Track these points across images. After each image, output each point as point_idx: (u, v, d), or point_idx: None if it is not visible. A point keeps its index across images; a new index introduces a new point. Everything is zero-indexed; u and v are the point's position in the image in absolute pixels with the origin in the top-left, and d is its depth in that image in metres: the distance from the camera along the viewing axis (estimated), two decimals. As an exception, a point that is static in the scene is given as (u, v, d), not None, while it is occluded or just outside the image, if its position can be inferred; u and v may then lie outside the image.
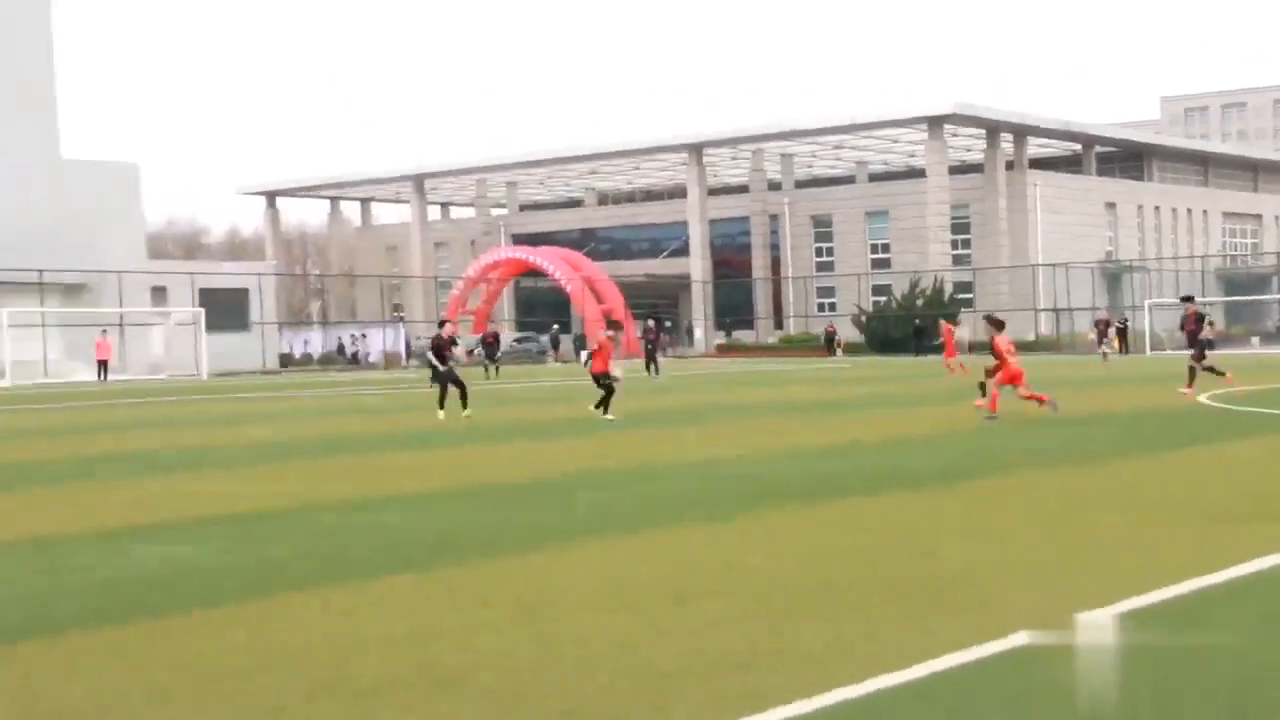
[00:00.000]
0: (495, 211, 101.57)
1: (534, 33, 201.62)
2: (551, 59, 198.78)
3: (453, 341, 25.66)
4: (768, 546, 9.18)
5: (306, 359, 70.49)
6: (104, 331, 54.70)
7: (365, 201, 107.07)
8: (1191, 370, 25.44)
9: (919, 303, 67.30)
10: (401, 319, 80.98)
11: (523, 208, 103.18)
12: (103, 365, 53.01)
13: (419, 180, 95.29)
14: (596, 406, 23.42)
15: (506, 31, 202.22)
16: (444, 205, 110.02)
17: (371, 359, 70.57)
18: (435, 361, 24.97)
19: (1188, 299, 27.69)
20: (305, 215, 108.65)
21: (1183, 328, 27.91)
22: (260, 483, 14.32)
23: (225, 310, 62.08)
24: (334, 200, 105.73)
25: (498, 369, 45.63)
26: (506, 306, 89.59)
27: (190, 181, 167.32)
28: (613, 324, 23.61)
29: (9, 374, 50.74)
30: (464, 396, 24.47)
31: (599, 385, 23.59)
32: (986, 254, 76.86)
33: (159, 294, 61.84)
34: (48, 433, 23.84)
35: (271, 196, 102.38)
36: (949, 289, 69.62)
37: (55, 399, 38.52)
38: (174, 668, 6.17)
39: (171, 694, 5.73)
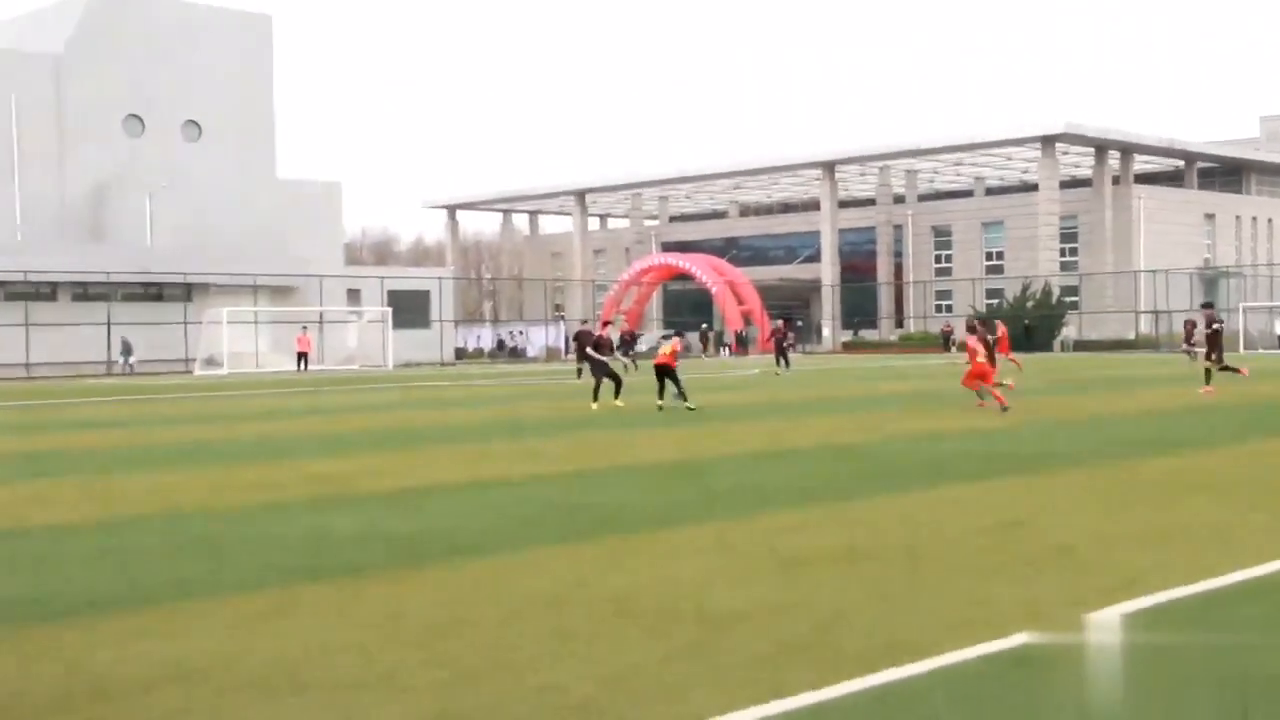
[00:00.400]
0: (648, 222, 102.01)
1: (685, 61, 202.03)
2: (701, 84, 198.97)
3: (611, 341, 26.01)
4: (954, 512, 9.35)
5: (478, 352, 72.31)
6: (304, 328, 55.99)
7: (533, 214, 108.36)
8: (1208, 371, 25.43)
9: (1029, 305, 66.60)
10: (562, 318, 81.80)
11: (672, 219, 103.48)
12: (302, 357, 54.05)
13: (581, 195, 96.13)
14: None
15: (660, 61, 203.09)
16: (602, 217, 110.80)
17: (531, 353, 71.77)
18: (595, 355, 25.12)
19: (1208, 305, 27.27)
20: (481, 226, 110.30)
21: (1189, 331, 27.69)
22: (475, 462, 14.80)
23: (410, 309, 63.33)
24: (506, 212, 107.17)
25: (636, 364, 45.56)
26: (656, 307, 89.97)
27: (383, 197, 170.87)
28: (672, 332, 24.05)
29: (226, 363, 52.37)
30: (618, 388, 24.61)
31: (660, 377, 23.34)
32: (1093, 261, 75.10)
33: (353, 295, 63.20)
34: (268, 416, 24.86)
35: (452, 209, 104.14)
36: (1056, 292, 68.50)
37: (268, 385, 39.79)
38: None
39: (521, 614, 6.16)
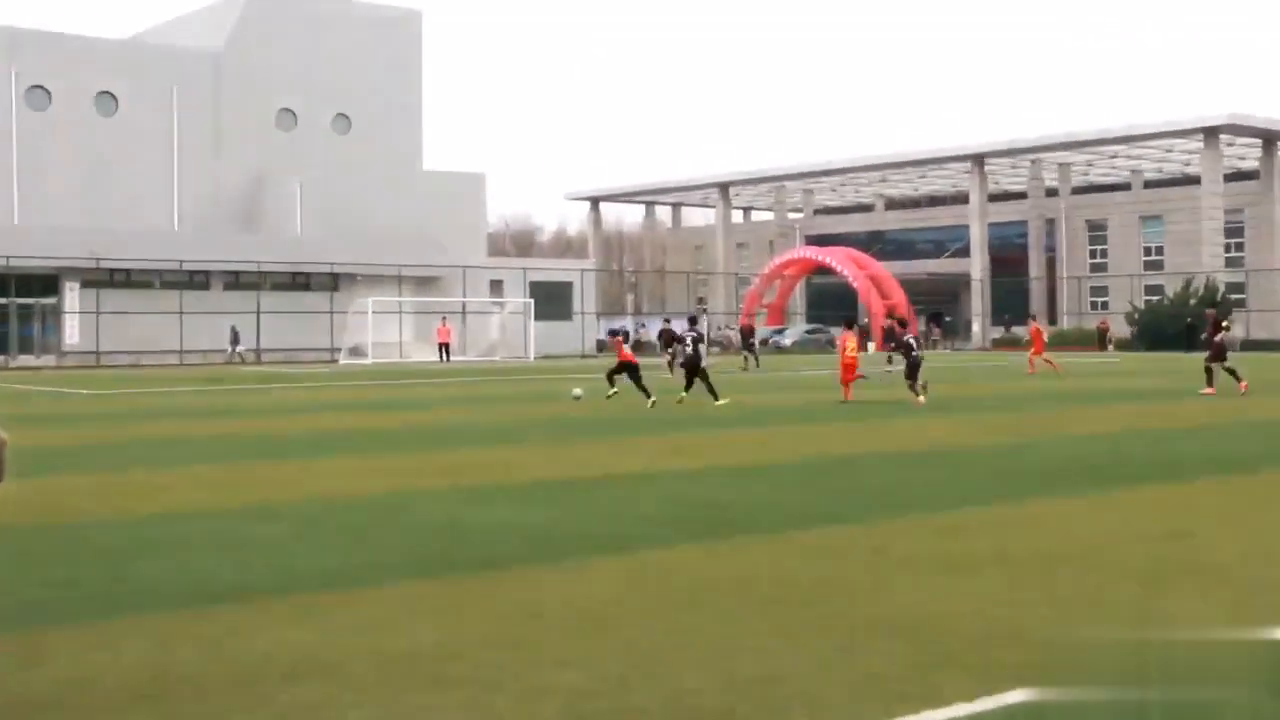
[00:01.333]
0: (791, 215, 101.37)
1: (832, 52, 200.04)
2: (848, 75, 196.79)
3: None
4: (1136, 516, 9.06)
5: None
6: (444, 319, 56.18)
7: (676, 206, 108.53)
8: (1209, 370, 25.37)
9: (1191, 302, 64.09)
10: (705, 310, 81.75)
11: (817, 212, 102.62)
12: (444, 348, 54.50)
13: (724, 187, 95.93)
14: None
15: (807, 51, 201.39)
16: (746, 209, 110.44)
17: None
18: (691, 352, 24.50)
19: (1211, 306, 26.62)
20: (623, 217, 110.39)
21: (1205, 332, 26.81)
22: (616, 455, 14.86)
23: (552, 301, 63.88)
24: (649, 204, 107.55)
25: (757, 359, 44.58)
26: (799, 301, 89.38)
27: (526, 188, 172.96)
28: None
29: (370, 353, 53.41)
30: (688, 384, 24.10)
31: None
32: (1260, 256, 72.17)
33: (496, 286, 63.98)
34: (418, 405, 25.30)
35: (595, 201, 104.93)
36: (1221, 289, 65.89)
37: (413, 375, 40.55)
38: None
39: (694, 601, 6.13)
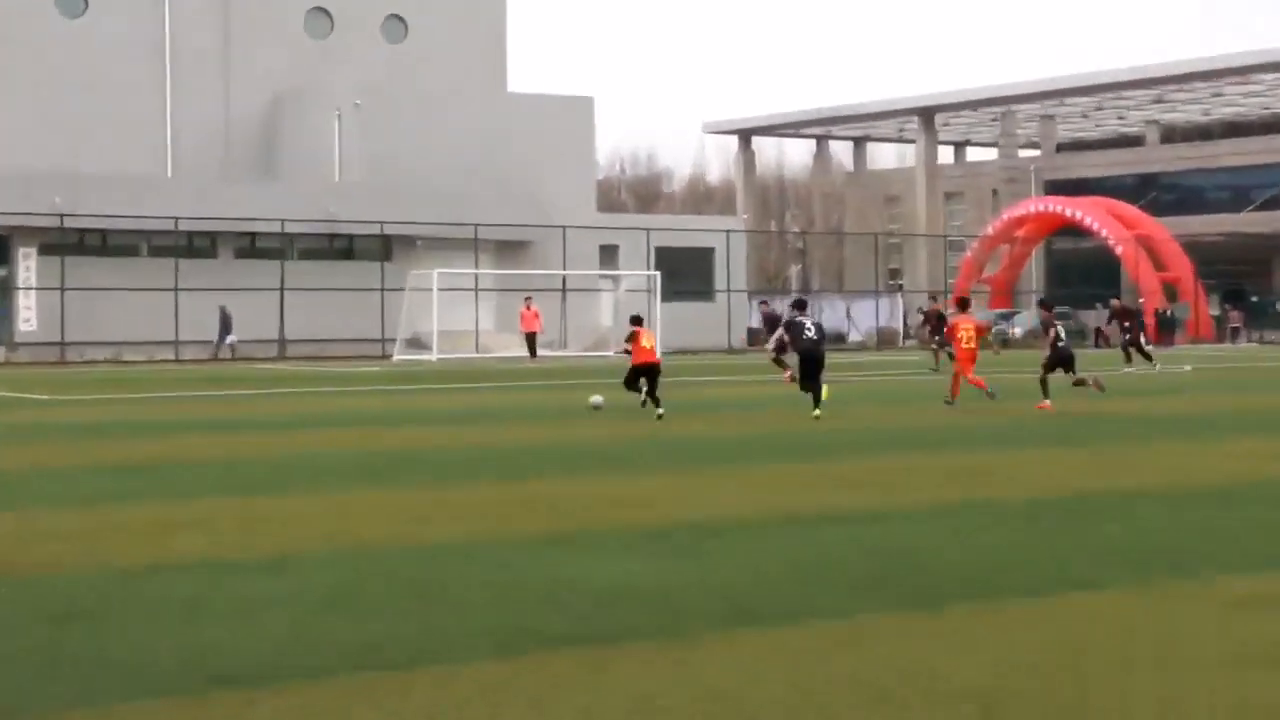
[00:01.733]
0: (1024, 153, 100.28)
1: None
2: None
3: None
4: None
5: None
6: (528, 300, 54.70)
7: (859, 141, 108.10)
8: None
9: None
10: (900, 287, 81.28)
11: (1060, 147, 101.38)
12: (530, 339, 53.49)
13: (927, 114, 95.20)
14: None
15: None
16: (957, 145, 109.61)
17: (855, 336, 71.05)
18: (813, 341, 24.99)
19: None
20: (785, 157, 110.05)
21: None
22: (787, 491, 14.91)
23: (686, 274, 63.76)
24: (820, 139, 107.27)
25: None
26: (1034, 274, 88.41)
27: (649, 118, 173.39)
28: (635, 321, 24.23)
29: (435, 346, 53.73)
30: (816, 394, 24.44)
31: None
32: None
33: (608, 253, 64.30)
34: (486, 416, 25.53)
35: (745, 135, 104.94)
36: None
37: (492, 376, 40.69)
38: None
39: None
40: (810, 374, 24.55)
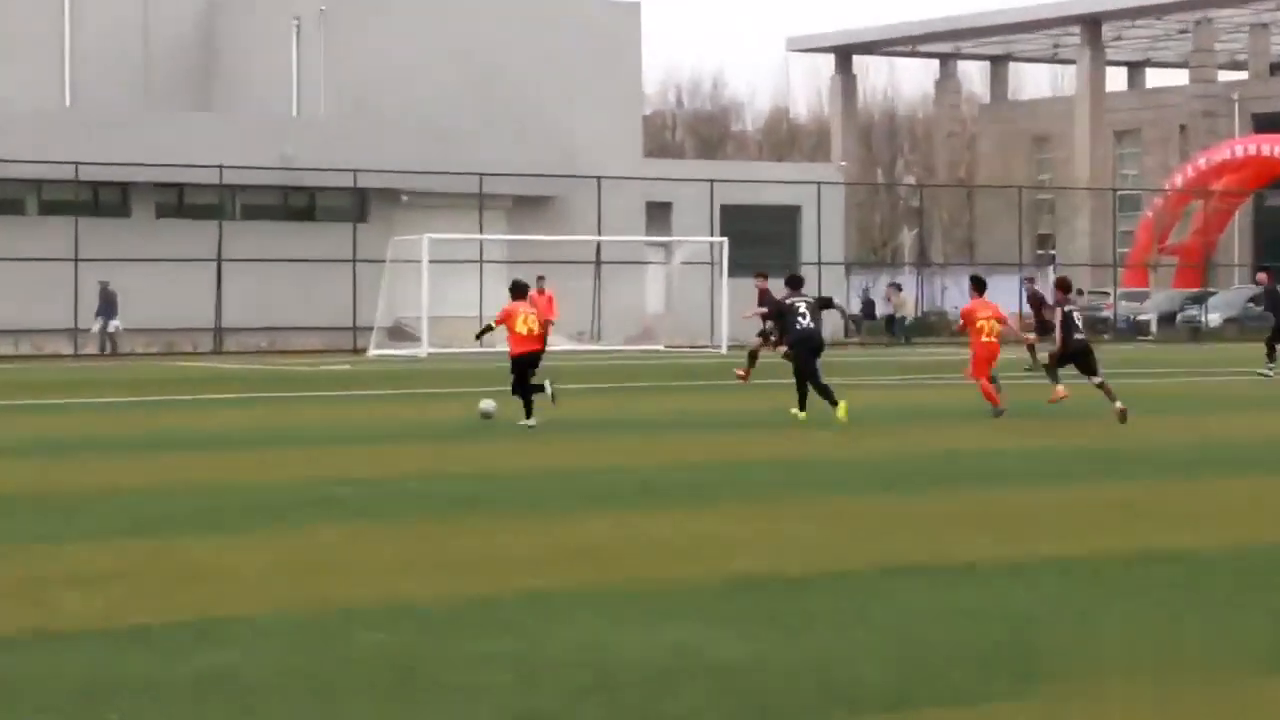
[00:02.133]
0: (1224, 76, 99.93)
1: None
2: None
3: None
4: None
5: (889, 322, 70.55)
6: (540, 280, 51.88)
7: (997, 61, 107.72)
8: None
9: None
10: (1053, 259, 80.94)
11: (1275, 69, 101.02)
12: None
13: (1092, 24, 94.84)
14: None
15: None
16: (1130, 65, 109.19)
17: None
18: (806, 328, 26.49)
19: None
20: (896, 84, 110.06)
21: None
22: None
23: (763, 241, 63.45)
24: (945, 59, 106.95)
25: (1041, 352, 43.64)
26: (1236, 241, 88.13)
27: (714, 33, 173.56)
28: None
29: (425, 338, 53.49)
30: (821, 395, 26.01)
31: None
32: None
33: (658, 214, 64.24)
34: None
35: (843, 54, 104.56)
36: None
37: (503, 377, 40.86)
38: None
39: None
40: (808, 369, 26.21)
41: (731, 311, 57.79)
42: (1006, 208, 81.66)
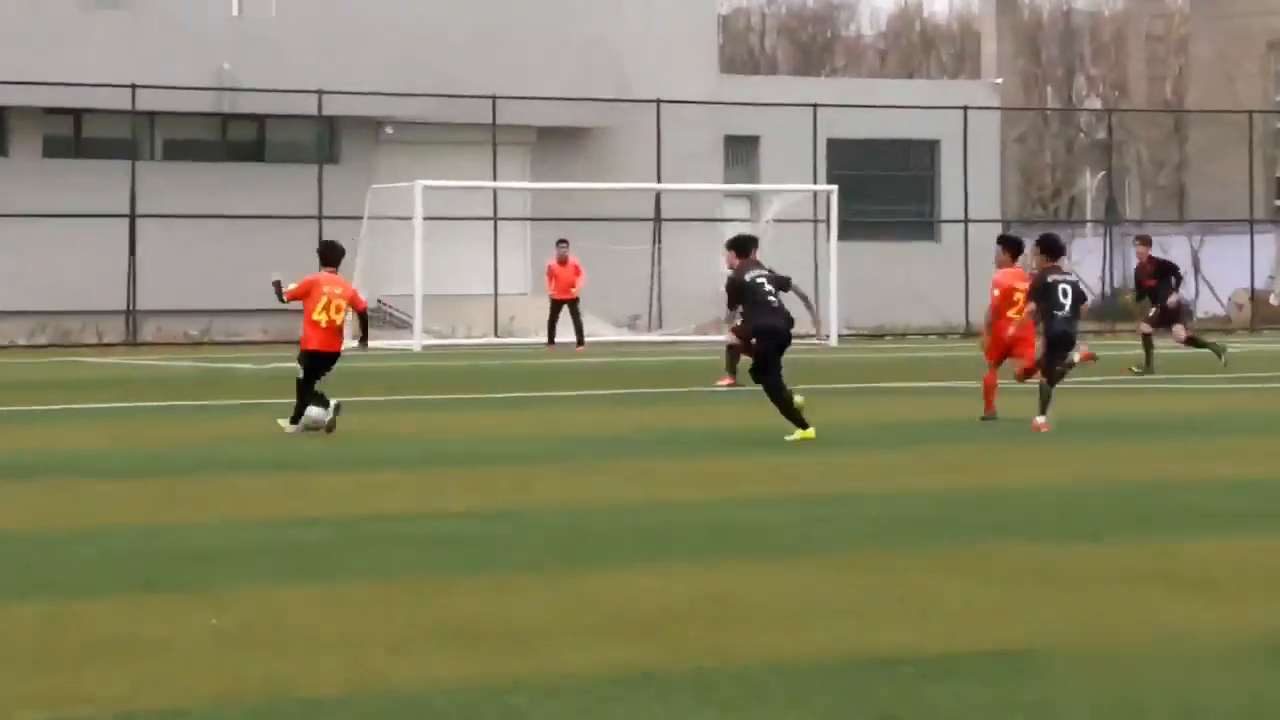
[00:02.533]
0: None
1: None
2: None
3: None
4: None
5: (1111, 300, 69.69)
6: (561, 246, 54.97)
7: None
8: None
9: None
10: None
11: None
12: (556, 313, 53.99)
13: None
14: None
15: None
16: None
17: (1209, 304, 71.08)
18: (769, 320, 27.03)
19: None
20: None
21: None
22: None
23: (887, 189, 63.85)
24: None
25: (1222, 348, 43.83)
26: None
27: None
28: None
29: (419, 323, 54.42)
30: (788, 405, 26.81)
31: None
32: None
33: (741, 150, 64.73)
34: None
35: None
36: None
37: (528, 378, 40.97)
38: None
39: None
40: (767, 364, 26.91)
41: (842, 287, 57.78)
42: (1234, 144, 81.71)
